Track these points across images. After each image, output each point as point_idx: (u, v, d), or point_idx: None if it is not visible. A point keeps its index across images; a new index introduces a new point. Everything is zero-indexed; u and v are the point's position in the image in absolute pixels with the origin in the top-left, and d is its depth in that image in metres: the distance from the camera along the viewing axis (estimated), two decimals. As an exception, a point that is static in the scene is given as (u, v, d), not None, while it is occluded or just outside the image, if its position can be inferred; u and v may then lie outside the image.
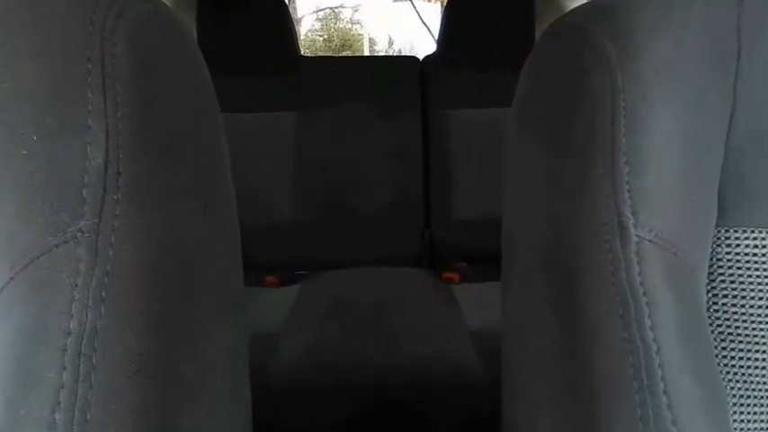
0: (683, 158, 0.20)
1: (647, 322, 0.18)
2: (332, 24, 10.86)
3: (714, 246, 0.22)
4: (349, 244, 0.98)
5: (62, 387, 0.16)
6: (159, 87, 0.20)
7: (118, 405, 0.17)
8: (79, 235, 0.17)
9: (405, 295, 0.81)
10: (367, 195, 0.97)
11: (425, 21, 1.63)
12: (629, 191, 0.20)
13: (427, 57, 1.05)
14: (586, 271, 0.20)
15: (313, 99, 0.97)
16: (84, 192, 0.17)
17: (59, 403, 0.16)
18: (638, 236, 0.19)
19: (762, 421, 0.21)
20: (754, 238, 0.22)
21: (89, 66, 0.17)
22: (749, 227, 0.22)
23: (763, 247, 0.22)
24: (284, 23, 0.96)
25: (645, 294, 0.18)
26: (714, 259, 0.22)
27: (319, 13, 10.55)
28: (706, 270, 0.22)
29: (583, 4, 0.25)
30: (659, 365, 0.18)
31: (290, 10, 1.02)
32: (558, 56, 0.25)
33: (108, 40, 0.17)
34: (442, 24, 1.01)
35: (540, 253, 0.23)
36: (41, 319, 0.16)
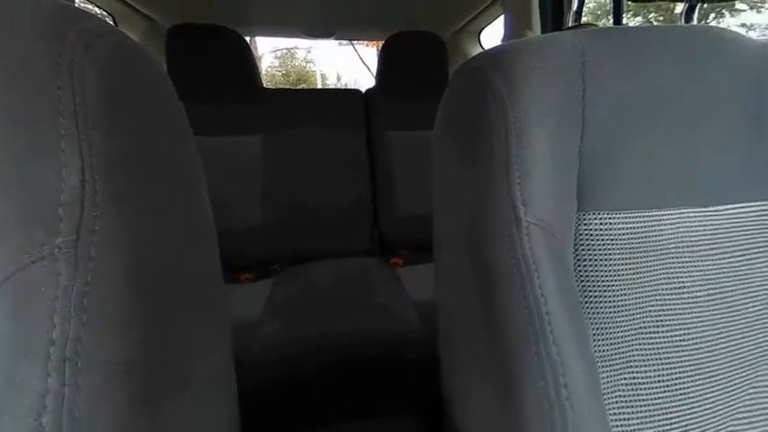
0: (553, 166, 0.23)
1: (537, 283, 0.20)
2: (288, 62, 10.51)
3: (576, 225, 0.24)
4: (313, 241, 0.95)
5: (48, 392, 0.14)
6: (129, 111, 0.18)
7: (106, 403, 0.15)
8: (57, 251, 0.15)
9: (362, 278, 0.81)
10: (326, 201, 0.96)
11: (365, 61, 1.63)
12: (519, 190, 0.21)
13: (369, 89, 1.06)
14: (495, 249, 0.21)
15: (277, 124, 0.94)
16: (60, 210, 0.15)
17: (45, 407, 0.14)
18: (527, 222, 0.21)
19: (611, 347, 0.24)
20: (601, 218, 0.25)
21: (59, 93, 0.15)
22: (597, 210, 0.24)
23: (607, 223, 0.24)
24: (247, 59, 0.91)
25: (534, 263, 0.20)
26: (576, 235, 0.24)
27: (277, 52, 10.14)
28: (572, 243, 0.24)
29: (481, 53, 0.27)
30: (546, 313, 0.19)
31: (252, 49, 0.96)
32: (465, 92, 0.26)
33: (77, 71, 0.16)
34: (378, 64, 1.04)
35: (462, 238, 0.24)
36: (22, 332, 0.14)
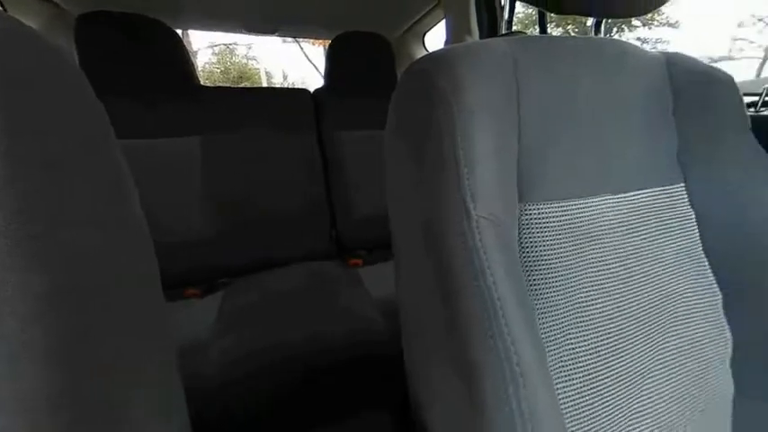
0: (497, 162, 0.24)
1: (488, 272, 0.21)
2: (227, 58, 9.79)
3: (519, 216, 0.26)
4: (266, 249, 0.90)
5: None
6: (28, 112, 0.15)
7: None
8: None
9: (321, 282, 0.79)
10: (278, 205, 0.92)
11: (312, 60, 1.59)
12: (468, 186, 0.22)
13: (318, 89, 1.05)
14: (449, 243, 0.22)
15: (217, 124, 0.87)
16: None
17: None
18: (477, 215, 0.22)
19: (554, 324, 0.27)
20: (538, 209, 0.27)
21: None
22: (534, 202, 0.27)
23: (543, 212, 0.27)
24: (180, 53, 0.82)
25: (485, 254, 0.21)
26: (519, 225, 0.26)
27: (214, 48, 9.40)
28: (516, 233, 0.26)
29: (426, 55, 0.28)
30: (498, 298, 0.21)
31: (185, 43, 0.87)
32: (412, 93, 0.27)
33: None
34: (326, 64, 1.01)
35: (418, 235, 0.25)
36: None
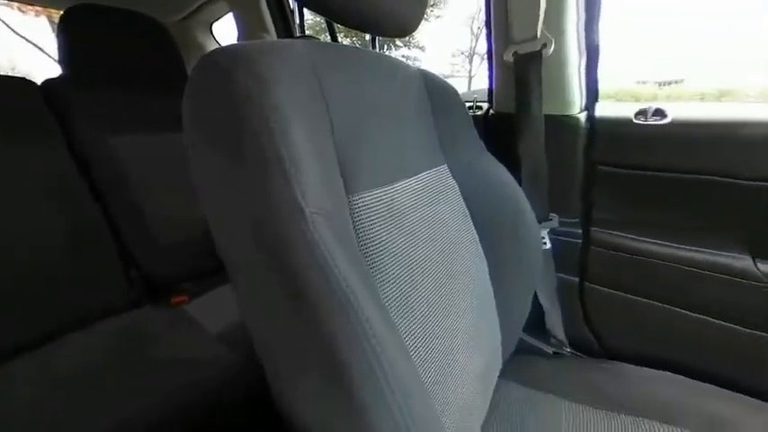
0: (318, 158, 0.25)
1: (332, 262, 0.22)
2: None
3: (349, 208, 0.29)
4: (36, 319, 0.57)
5: None
6: None
7: None
8: None
9: (130, 343, 0.59)
10: (27, 254, 0.58)
11: (26, 36, 1.09)
12: (297, 184, 0.22)
13: (50, 80, 0.70)
14: (290, 246, 0.22)
15: None
16: None
17: None
18: (310, 212, 0.22)
19: (394, 289, 0.31)
20: (362, 198, 0.31)
21: None
22: (358, 192, 0.31)
23: (367, 201, 0.31)
24: None
25: (325, 247, 0.22)
26: (352, 215, 0.29)
27: None
28: (351, 223, 0.29)
29: (223, 49, 0.25)
30: (347, 287, 0.22)
31: None
32: (213, 91, 0.24)
33: None
34: (62, 44, 0.72)
35: (253, 245, 0.23)
36: None
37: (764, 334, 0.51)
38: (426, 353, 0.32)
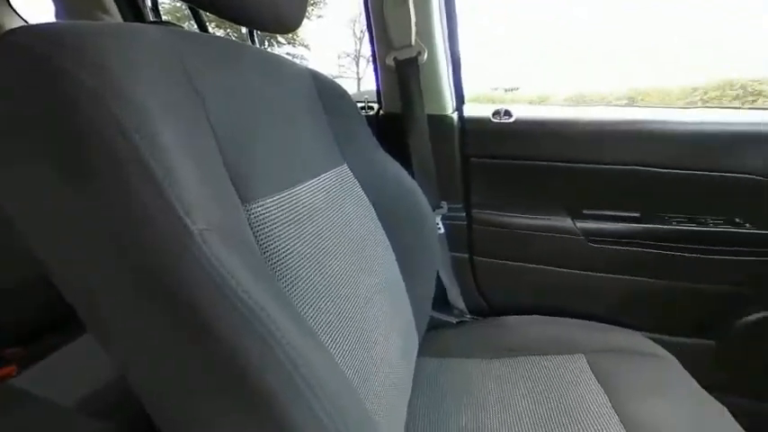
0: (197, 166, 0.22)
1: (229, 279, 0.19)
2: None
3: (247, 217, 0.26)
4: None
5: None
6: None
7: None
8: None
9: None
10: None
11: None
12: (177, 201, 0.19)
13: None
14: (178, 272, 0.18)
15: None
16: None
17: None
18: (198, 230, 0.19)
19: (307, 288, 0.30)
20: (262, 205, 0.29)
21: None
22: (256, 200, 0.28)
23: (267, 208, 0.29)
24: None
25: (221, 265, 0.19)
26: (251, 224, 0.27)
27: None
28: (251, 234, 0.26)
29: (36, 29, 0.19)
30: (244, 292, 0.19)
31: None
32: (28, 86, 0.18)
33: None
34: None
35: (126, 277, 0.18)
36: None
37: (585, 272, 0.70)
38: (348, 346, 0.32)
